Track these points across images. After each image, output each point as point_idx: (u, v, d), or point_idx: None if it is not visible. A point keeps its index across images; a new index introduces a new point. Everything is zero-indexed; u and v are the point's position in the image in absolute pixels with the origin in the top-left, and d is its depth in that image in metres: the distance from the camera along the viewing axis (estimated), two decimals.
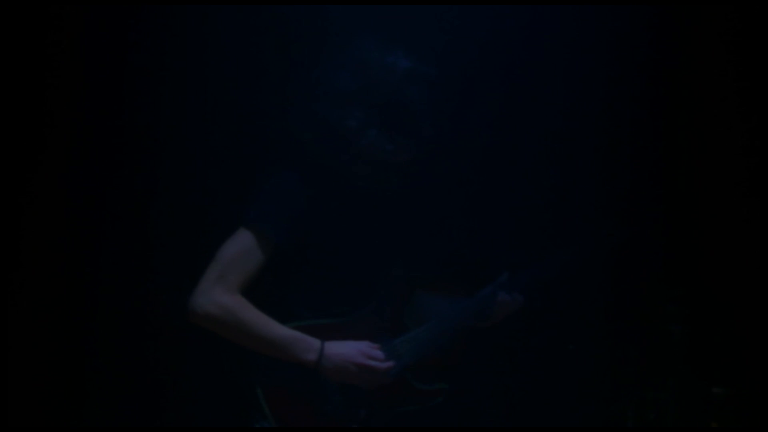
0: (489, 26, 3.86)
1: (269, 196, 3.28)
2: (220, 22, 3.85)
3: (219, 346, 3.36)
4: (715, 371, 3.83)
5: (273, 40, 3.84)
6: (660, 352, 3.87)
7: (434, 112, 3.31)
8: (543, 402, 4.02)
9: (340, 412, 3.28)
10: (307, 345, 3.22)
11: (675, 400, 3.82)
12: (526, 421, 3.97)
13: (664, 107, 3.96)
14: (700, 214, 3.88)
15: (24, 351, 3.66)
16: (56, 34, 3.65)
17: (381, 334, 3.35)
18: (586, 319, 3.99)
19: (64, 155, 3.74)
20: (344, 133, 3.26)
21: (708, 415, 3.80)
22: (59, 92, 3.69)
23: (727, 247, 3.83)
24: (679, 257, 3.89)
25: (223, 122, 3.91)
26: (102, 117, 3.82)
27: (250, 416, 3.28)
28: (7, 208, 3.59)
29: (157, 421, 3.88)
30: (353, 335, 3.30)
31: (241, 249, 3.23)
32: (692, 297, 3.85)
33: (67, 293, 3.78)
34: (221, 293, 3.19)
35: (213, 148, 3.91)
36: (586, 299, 3.99)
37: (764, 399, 3.73)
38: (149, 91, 3.85)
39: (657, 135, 3.99)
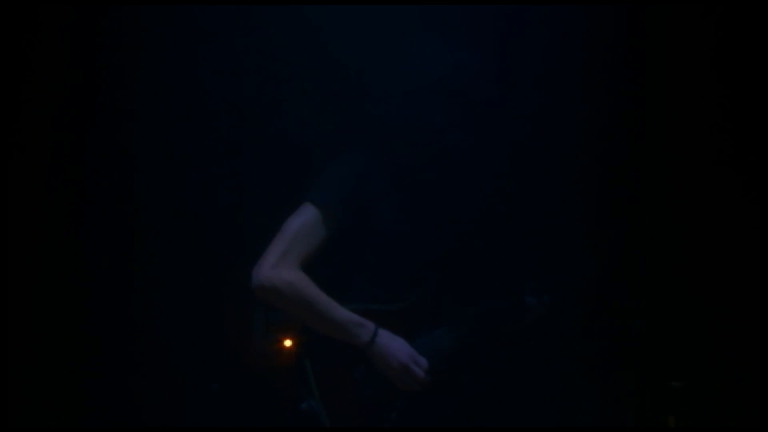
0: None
1: (336, 174, 3.30)
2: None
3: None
4: (674, 366, 3.88)
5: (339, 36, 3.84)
6: (619, 347, 3.91)
7: (505, 106, 3.38)
8: (501, 397, 4.02)
9: (381, 398, 3.28)
10: (363, 329, 3.25)
11: (633, 394, 3.87)
12: (484, 415, 3.96)
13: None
14: (664, 212, 3.89)
15: (17, 352, 3.69)
16: (43, 31, 3.65)
17: (425, 326, 3.35)
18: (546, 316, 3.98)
19: (55, 151, 3.76)
20: (425, 127, 3.30)
21: (666, 410, 3.85)
22: (46, 91, 3.69)
23: (690, 245, 3.85)
24: (642, 253, 3.89)
25: (213, 123, 3.96)
26: (91, 114, 3.86)
27: (296, 393, 3.26)
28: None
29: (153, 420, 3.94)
30: (402, 324, 3.30)
31: (305, 224, 3.25)
32: (652, 293, 3.89)
33: (59, 293, 3.83)
34: (286, 268, 3.21)
35: (206, 147, 3.95)
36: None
37: (722, 393, 3.78)
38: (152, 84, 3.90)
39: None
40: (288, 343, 4.10)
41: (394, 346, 3.25)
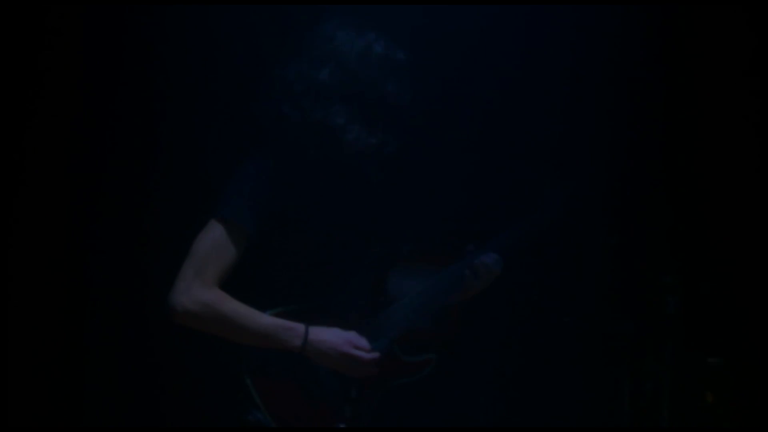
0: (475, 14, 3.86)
1: (238, 186, 3.21)
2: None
3: (207, 338, 3.32)
4: (711, 342, 3.86)
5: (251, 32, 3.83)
6: (655, 322, 3.88)
7: (415, 102, 3.30)
8: (539, 376, 3.99)
9: (331, 394, 3.21)
10: (292, 332, 3.19)
11: (671, 371, 3.83)
12: (521, 395, 3.93)
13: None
14: (695, 188, 3.90)
15: (22, 351, 3.66)
16: (49, 31, 3.64)
17: (365, 312, 3.31)
18: (582, 291, 3.96)
19: (60, 151, 3.73)
20: (329, 128, 3.22)
21: (704, 386, 3.82)
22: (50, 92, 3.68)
23: (723, 218, 3.86)
24: (674, 228, 3.89)
25: (217, 117, 3.90)
26: (96, 116, 3.82)
27: (242, 407, 3.21)
28: (3, 206, 3.58)
29: (154, 420, 3.87)
30: (337, 316, 3.26)
31: (214, 242, 3.17)
32: (688, 268, 3.87)
33: (64, 291, 3.77)
34: (199, 290, 3.13)
35: (210, 141, 3.89)
36: (582, 271, 3.96)
37: (759, 369, 3.77)
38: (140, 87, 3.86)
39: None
40: None
41: (327, 339, 3.19)
